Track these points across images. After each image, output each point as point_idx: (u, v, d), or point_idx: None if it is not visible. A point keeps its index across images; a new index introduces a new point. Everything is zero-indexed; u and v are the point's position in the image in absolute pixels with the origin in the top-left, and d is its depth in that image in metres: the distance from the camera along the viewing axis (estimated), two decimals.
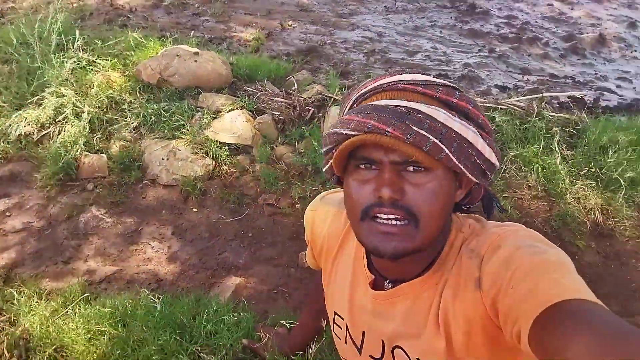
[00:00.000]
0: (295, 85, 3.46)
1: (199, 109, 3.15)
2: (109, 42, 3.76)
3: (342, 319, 1.04)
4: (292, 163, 2.92)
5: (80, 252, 2.44)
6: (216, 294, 2.15)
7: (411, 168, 0.78)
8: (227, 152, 2.93)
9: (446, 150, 0.75)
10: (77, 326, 1.85)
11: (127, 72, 3.46)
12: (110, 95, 3.21)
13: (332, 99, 3.40)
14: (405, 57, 4.93)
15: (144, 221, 2.63)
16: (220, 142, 2.96)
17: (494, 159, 0.83)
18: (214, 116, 3.09)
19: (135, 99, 3.24)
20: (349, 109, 0.86)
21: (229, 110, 3.10)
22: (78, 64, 3.44)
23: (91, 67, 3.46)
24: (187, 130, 3.00)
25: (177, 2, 5.72)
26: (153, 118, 3.08)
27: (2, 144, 3.02)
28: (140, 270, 2.34)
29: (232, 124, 3.01)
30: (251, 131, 3.01)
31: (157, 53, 3.48)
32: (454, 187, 0.83)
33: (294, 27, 5.38)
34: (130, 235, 2.54)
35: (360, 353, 1.02)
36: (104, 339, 1.79)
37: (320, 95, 3.43)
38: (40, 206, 2.72)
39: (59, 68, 3.35)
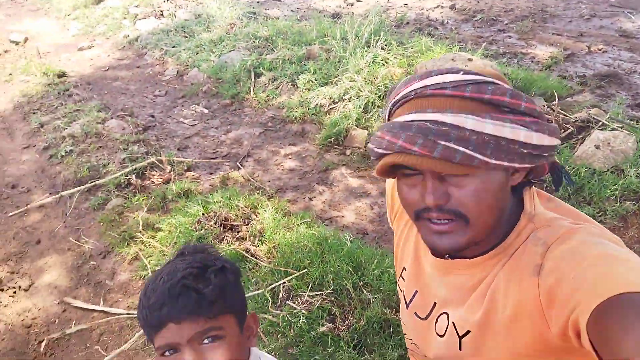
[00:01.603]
0: (557, 99, 3.33)
1: None
2: (405, 45, 4.39)
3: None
4: None
5: (321, 195, 3.10)
6: None
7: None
8: None
9: (480, 157, 0.74)
10: (291, 236, 2.47)
11: (409, 70, 3.99)
12: (387, 85, 3.80)
13: (601, 122, 3.15)
14: None
15: (374, 188, 3.11)
16: None
17: (546, 140, 0.81)
18: None
19: None
20: (387, 117, 0.89)
21: None
22: (374, 59, 4.17)
23: (383, 62, 4.14)
24: None
25: (487, 18, 6.00)
26: None
27: (303, 108, 4.00)
28: (355, 222, 2.83)
29: None
30: None
31: (437, 56, 3.89)
32: (505, 177, 0.82)
33: (602, 52, 4.94)
34: (360, 195, 3.07)
35: (407, 308, 1.06)
36: (304, 249, 2.34)
37: (590, 117, 3.22)
38: (310, 157, 3.53)
39: (359, 60, 4.15)
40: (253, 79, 4.45)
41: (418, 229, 0.87)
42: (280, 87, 4.36)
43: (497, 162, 0.75)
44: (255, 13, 6.09)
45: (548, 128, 0.81)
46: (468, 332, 0.91)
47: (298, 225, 2.60)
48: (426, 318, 1.00)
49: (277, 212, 2.74)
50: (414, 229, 1.06)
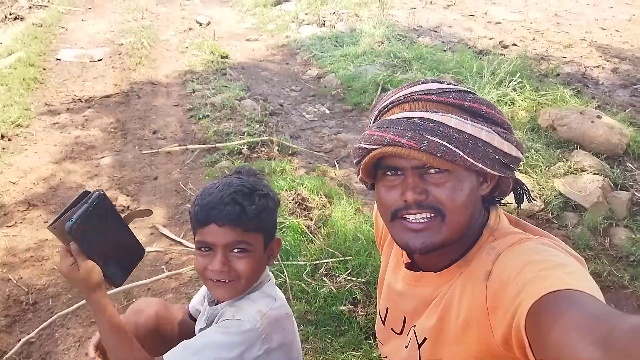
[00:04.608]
0: None
1: (564, 159, 3.25)
2: (541, 92, 4.25)
3: None
4: (619, 246, 2.66)
5: None
6: None
7: (432, 170, 0.84)
8: (560, 204, 2.96)
9: (460, 153, 0.81)
10: (350, 228, 2.61)
11: (534, 115, 3.86)
12: None
13: None
14: None
15: None
16: (560, 192, 3.01)
17: (514, 152, 0.86)
18: (572, 172, 3.13)
19: (522, 135, 3.64)
20: (372, 123, 0.94)
21: (591, 173, 3.06)
22: (500, 97, 4.11)
23: (509, 102, 4.06)
24: (539, 171, 3.19)
25: None
26: None
27: None
28: None
29: (583, 184, 2.98)
30: (597, 198, 2.90)
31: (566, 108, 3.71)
32: (477, 182, 0.87)
33: None
34: None
35: (384, 325, 1.12)
36: (357, 240, 2.48)
37: None
38: None
39: (485, 95, 4.12)
40: (379, 93, 4.67)
41: (391, 232, 0.92)
42: None
43: (474, 161, 0.82)
44: (405, 37, 6.34)
45: (515, 141, 0.88)
46: (425, 339, 0.94)
47: (361, 222, 2.74)
48: (401, 333, 1.05)
49: (349, 206, 2.90)
50: (393, 252, 1.12)
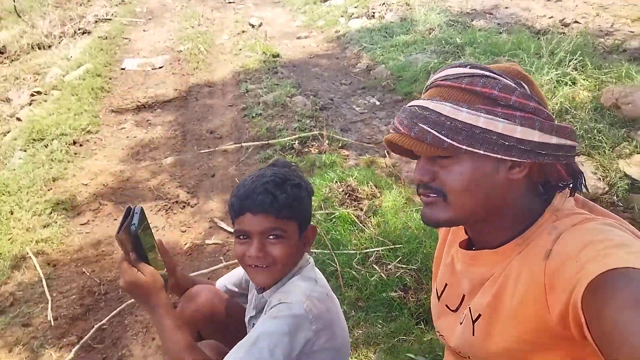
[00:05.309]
0: None
1: (629, 139, 3.06)
2: (603, 69, 4.01)
3: None
4: None
5: None
6: None
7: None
8: (626, 186, 2.79)
9: (448, 140, 0.82)
10: (401, 216, 2.61)
11: (595, 94, 3.66)
12: (563, 103, 3.56)
13: None
14: None
15: None
16: (625, 174, 2.84)
17: (537, 137, 0.82)
18: (639, 152, 2.94)
19: (584, 115, 3.45)
20: None
21: None
22: (560, 78, 3.92)
23: (569, 82, 3.86)
24: (603, 152, 3.02)
25: None
26: (582, 133, 3.25)
27: None
28: None
29: None
30: None
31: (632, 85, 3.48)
32: (494, 168, 0.85)
33: None
34: None
35: (438, 300, 1.12)
36: (407, 228, 2.47)
37: None
38: None
39: (543, 76, 3.95)
40: None
41: None
42: None
43: (470, 148, 0.82)
44: (458, 22, 6.17)
45: (541, 125, 0.83)
46: (479, 316, 0.94)
47: (412, 211, 2.72)
48: (456, 310, 1.06)
49: (399, 196, 2.89)
50: (458, 231, 1.13)
